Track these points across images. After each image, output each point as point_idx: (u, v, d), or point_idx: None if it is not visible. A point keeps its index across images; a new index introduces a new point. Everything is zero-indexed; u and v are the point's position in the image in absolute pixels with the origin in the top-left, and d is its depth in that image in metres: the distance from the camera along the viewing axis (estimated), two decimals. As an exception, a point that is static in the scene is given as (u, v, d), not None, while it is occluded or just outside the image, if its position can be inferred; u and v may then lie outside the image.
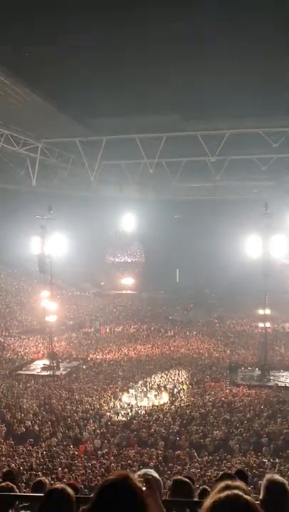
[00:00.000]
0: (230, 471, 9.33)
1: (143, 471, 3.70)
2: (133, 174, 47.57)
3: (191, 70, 36.76)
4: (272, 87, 35.34)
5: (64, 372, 36.87)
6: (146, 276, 68.61)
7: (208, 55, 34.29)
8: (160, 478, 3.79)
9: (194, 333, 49.37)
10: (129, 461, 19.94)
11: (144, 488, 2.20)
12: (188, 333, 49.43)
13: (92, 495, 2.15)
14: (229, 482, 2.79)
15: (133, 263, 74.17)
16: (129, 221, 65.40)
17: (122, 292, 67.39)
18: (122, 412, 28.26)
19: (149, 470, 3.81)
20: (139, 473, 3.54)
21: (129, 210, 63.42)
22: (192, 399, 30.21)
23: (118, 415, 27.88)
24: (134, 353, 42.32)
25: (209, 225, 59.13)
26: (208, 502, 2.33)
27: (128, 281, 69.78)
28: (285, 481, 3.89)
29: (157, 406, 29.70)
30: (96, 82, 35.96)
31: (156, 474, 3.69)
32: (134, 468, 17.38)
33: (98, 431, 24.97)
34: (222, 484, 2.67)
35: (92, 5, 29.17)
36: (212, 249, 60.56)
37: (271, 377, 35.70)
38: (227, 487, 2.56)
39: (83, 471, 18.43)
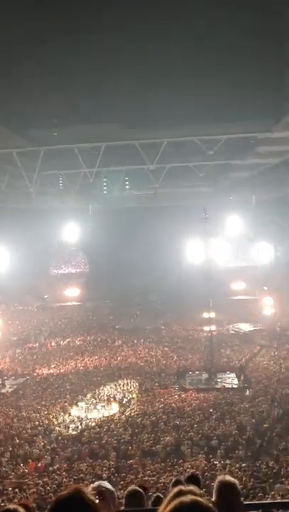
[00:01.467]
0: (182, 476, 9.35)
1: (97, 483, 3.66)
2: (73, 184, 47.26)
3: (128, 79, 37.16)
4: (207, 97, 36.27)
5: (10, 390, 35.90)
6: (91, 286, 68.10)
7: (145, 64, 34.81)
8: (114, 490, 3.76)
9: (142, 340, 49.45)
10: (81, 475, 19.67)
11: (97, 501, 2.19)
12: (135, 341, 49.45)
13: None
14: (182, 487, 2.80)
15: (77, 274, 73.45)
16: (71, 232, 64.82)
17: (66, 304, 66.52)
18: (72, 426, 27.85)
19: (103, 482, 3.77)
20: (93, 485, 3.50)
21: (71, 221, 62.89)
22: (142, 407, 30.22)
23: (68, 429, 27.47)
24: (82, 366, 41.84)
25: (151, 231, 59.55)
26: (163, 508, 2.32)
27: (73, 292, 69.03)
28: (236, 481, 3.95)
29: (107, 417, 29.50)
30: (32, 93, 35.57)
31: (109, 486, 3.65)
32: (86, 482, 17.13)
33: (48, 446, 24.47)
34: (175, 490, 2.68)
35: (30, 17, 28.98)
36: (156, 256, 61.02)
37: (218, 380, 36.33)
38: (180, 492, 2.57)
39: (35, 490, 17.97)
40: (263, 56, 35.38)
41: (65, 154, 41.21)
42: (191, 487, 3.02)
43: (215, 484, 3.90)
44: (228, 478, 3.95)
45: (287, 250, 60.86)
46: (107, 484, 3.65)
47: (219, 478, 4.11)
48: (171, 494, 2.65)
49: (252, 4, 34.46)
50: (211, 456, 21.97)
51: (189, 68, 36.62)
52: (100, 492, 3.12)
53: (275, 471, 19.15)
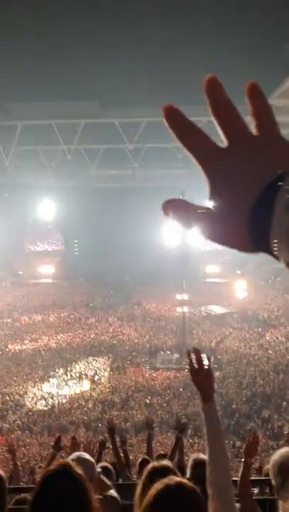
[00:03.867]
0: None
1: (76, 454, 3.75)
2: (50, 160, 46.64)
3: (108, 56, 36.63)
4: (190, 77, 35.97)
5: (-19, 364, 35.79)
6: (66, 265, 67.86)
7: (126, 41, 34.29)
8: (93, 461, 3.87)
9: (115, 319, 49.71)
10: (51, 449, 19.86)
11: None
12: (109, 319, 49.68)
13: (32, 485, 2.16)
14: (155, 463, 2.99)
15: (53, 251, 72.91)
16: (47, 209, 64.15)
17: (41, 281, 66.13)
18: (43, 402, 28.04)
19: (83, 453, 3.87)
20: (71, 457, 3.58)
21: (48, 198, 62.19)
22: (113, 385, 30.55)
23: (39, 404, 27.65)
24: (55, 342, 41.92)
25: (128, 212, 59.44)
26: (141, 491, 2.41)
27: (48, 269, 68.64)
28: None
29: (78, 393, 29.75)
30: (11, 65, 34.76)
31: (89, 457, 3.75)
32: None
33: (19, 421, 24.62)
34: (149, 467, 2.89)
35: None
36: (132, 236, 61.05)
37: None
38: (155, 469, 2.75)
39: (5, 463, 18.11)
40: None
41: (44, 130, 40.59)
42: (164, 462, 3.16)
43: (189, 462, 4.14)
44: (203, 456, 4.09)
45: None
46: (86, 455, 3.75)
47: (193, 456, 4.35)
48: (145, 473, 2.80)
49: None
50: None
51: (176, 46, 36.20)
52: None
53: (241, 450, 19.68)
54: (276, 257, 0.77)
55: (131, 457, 16.28)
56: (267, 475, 4.63)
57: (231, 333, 44.32)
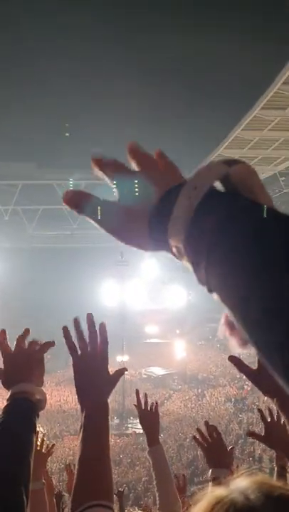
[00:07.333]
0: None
1: None
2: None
3: (43, 119, 37.49)
4: (127, 140, 37.09)
5: None
6: (1, 327, 65.46)
7: (60, 104, 35.30)
8: None
9: (53, 384, 47.96)
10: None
11: None
12: (46, 384, 47.75)
13: None
14: None
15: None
16: (-19, 270, 62.38)
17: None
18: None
19: None
20: None
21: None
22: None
23: None
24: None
25: (66, 273, 58.94)
26: None
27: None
28: None
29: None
30: None
31: None
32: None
33: None
34: None
35: None
36: (70, 297, 60.21)
37: (129, 425, 35.81)
38: None
39: None
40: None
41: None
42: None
43: None
44: None
45: (199, 295, 62.48)
46: None
47: None
48: None
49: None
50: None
51: (109, 111, 37.56)
52: None
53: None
54: (172, 253, 0.83)
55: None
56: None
57: (171, 395, 43.84)
